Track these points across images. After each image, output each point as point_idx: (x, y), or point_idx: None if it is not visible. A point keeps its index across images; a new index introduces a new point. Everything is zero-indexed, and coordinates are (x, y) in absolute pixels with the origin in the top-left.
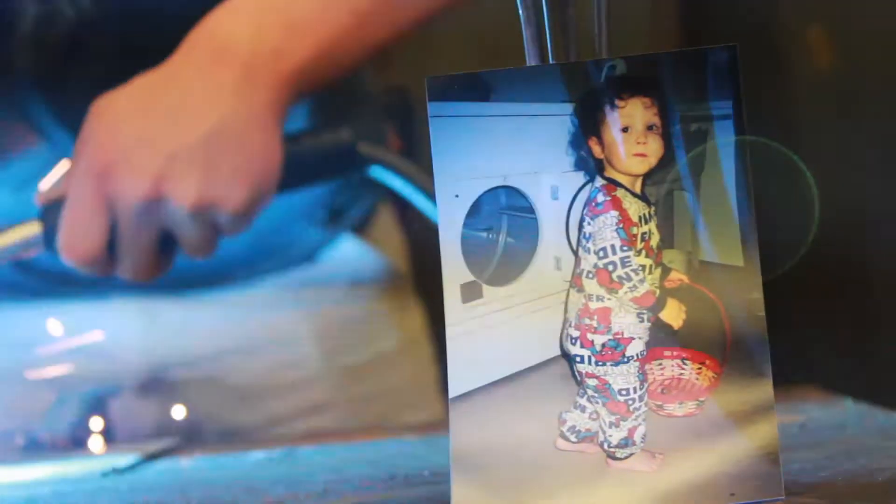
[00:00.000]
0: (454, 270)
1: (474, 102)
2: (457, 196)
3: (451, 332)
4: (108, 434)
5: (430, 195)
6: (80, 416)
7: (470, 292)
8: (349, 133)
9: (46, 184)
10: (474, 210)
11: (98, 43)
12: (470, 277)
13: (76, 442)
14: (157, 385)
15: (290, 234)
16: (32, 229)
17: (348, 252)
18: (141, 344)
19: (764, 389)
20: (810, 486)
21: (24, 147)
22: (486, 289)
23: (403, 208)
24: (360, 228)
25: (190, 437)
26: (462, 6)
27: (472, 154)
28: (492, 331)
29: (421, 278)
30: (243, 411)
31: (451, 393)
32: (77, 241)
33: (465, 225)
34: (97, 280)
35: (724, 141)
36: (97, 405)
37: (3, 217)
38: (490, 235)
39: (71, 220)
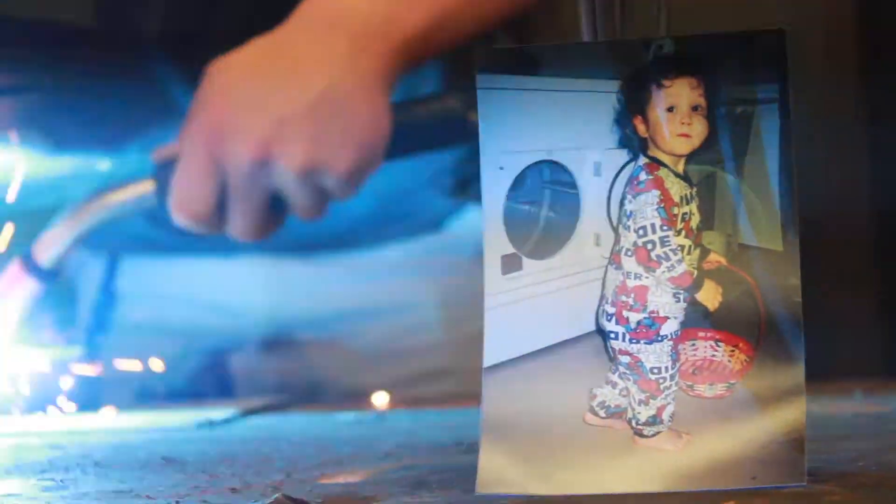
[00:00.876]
0: (496, 242)
1: (523, 76)
2: (501, 168)
3: (489, 302)
4: (226, 389)
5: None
6: (199, 369)
7: (510, 264)
8: (458, 101)
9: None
10: (518, 183)
11: (225, 8)
12: (511, 249)
13: (192, 394)
14: (278, 344)
15: (416, 202)
16: (146, 187)
17: (474, 221)
18: (266, 302)
19: (795, 375)
20: (835, 475)
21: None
22: (525, 261)
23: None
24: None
25: (308, 396)
26: None
27: (518, 127)
28: (529, 303)
29: None
30: (362, 374)
31: (486, 362)
32: (188, 200)
33: (509, 197)
34: (227, 238)
35: (768, 125)
36: (218, 359)
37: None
38: (532, 209)
39: (183, 179)
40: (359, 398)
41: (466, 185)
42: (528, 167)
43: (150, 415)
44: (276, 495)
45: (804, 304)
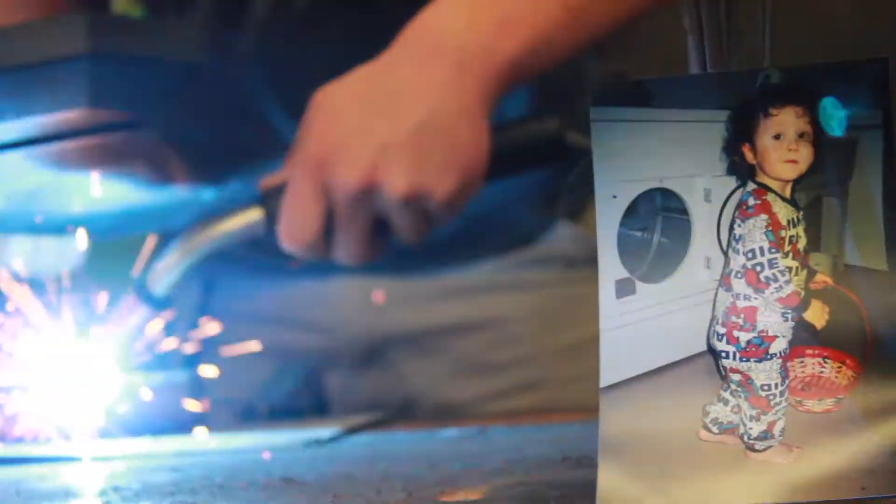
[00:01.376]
0: (610, 267)
1: (635, 108)
2: (615, 196)
3: (604, 324)
4: (325, 406)
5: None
6: (298, 387)
7: (624, 288)
8: (556, 123)
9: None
10: (631, 210)
11: (323, 33)
12: (625, 274)
13: (293, 412)
14: (375, 360)
15: (509, 218)
16: (255, 215)
17: (563, 236)
18: (361, 320)
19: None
20: None
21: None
22: (639, 285)
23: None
24: (575, 215)
25: (404, 412)
26: (670, 4)
27: (631, 157)
28: (643, 325)
29: None
30: (458, 387)
31: (602, 383)
32: (296, 227)
33: (622, 224)
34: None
35: (872, 150)
36: (314, 378)
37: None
38: (645, 235)
39: (290, 206)
40: (454, 412)
41: (556, 202)
42: (641, 195)
43: (254, 435)
44: None
45: None
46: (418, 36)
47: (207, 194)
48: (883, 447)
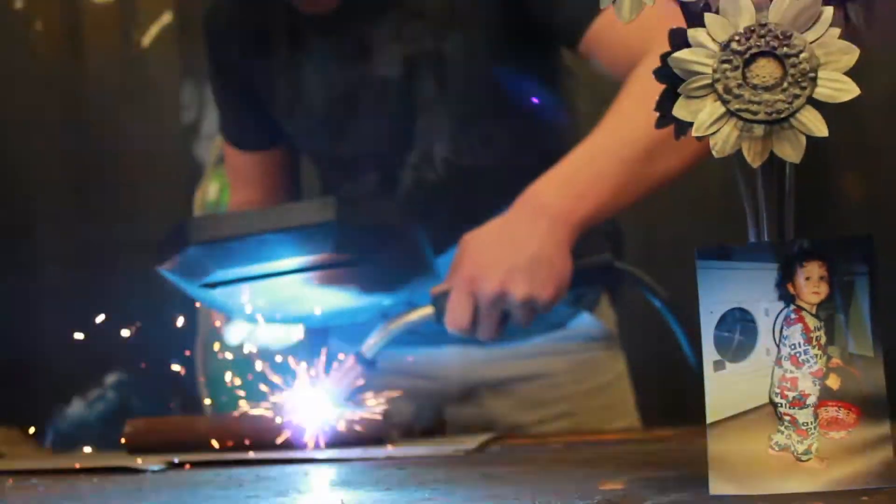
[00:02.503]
0: (710, 352)
1: (722, 260)
2: (711, 312)
3: (707, 386)
4: (444, 428)
5: (660, 297)
6: (431, 416)
7: (718, 365)
8: (610, 255)
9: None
10: (721, 320)
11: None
12: (718, 357)
13: (426, 433)
14: (468, 398)
15: (553, 312)
16: (429, 310)
17: (585, 322)
18: (462, 373)
19: (883, 426)
20: None
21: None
22: (728, 364)
23: (614, 296)
24: (592, 308)
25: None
26: (697, 165)
27: (721, 289)
28: (731, 387)
29: (624, 336)
30: (521, 415)
31: (709, 420)
32: (456, 318)
33: (716, 328)
34: (440, 332)
35: (862, 286)
36: (439, 409)
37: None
38: (730, 335)
39: (453, 306)
40: (520, 430)
41: (581, 299)
42: (727, 311)
43: (419, 447)
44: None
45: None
46: (528, 202)
47: (387, 300)
48: (877, 457)
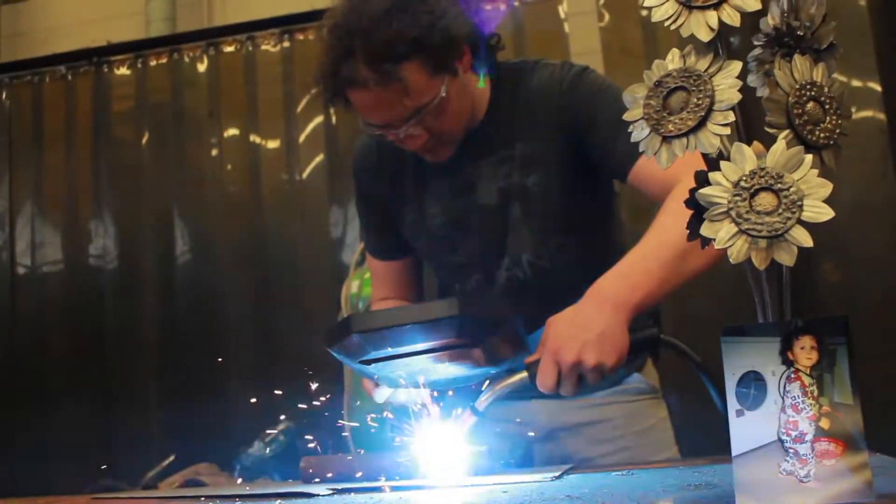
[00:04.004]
0: (733, 404)
1: (740, 336)
2: (733, 374)
3: (732, 430)
4: (532, 461)
5: (694, 361)
6: (523, 452)
7: (739, 413)
8: (656, 331)
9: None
10: (740, 380)
11: (535, 292)
12: (739, 407)
13: (520, 465)
14: (550, 439)
15: (618, 374)
16: (523, 375)
17: (635, 378)
18: (545, 418)
19: (862, 455)
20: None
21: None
22: (746, 412)
23: (656, 359)
24: (640, 369)
25: (567, 463)
26: (717, 263)
27: (740, 357)
28: (749, 429)
29: (666, 390)
30: (589, 451)
31: (734, 453)
32: (545, 381)
33: (737, 387)
34: (532, 390)
35: (842, 353)
36: (525, 448)
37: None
38: (747, 391)
39: (542, 372)
40: (588, 463)
41: (632, 363)
42: (744, 373)
43: (515, 475)
44: None
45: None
46: (596, 293)
47: (493, 371)
48: (859, 477)
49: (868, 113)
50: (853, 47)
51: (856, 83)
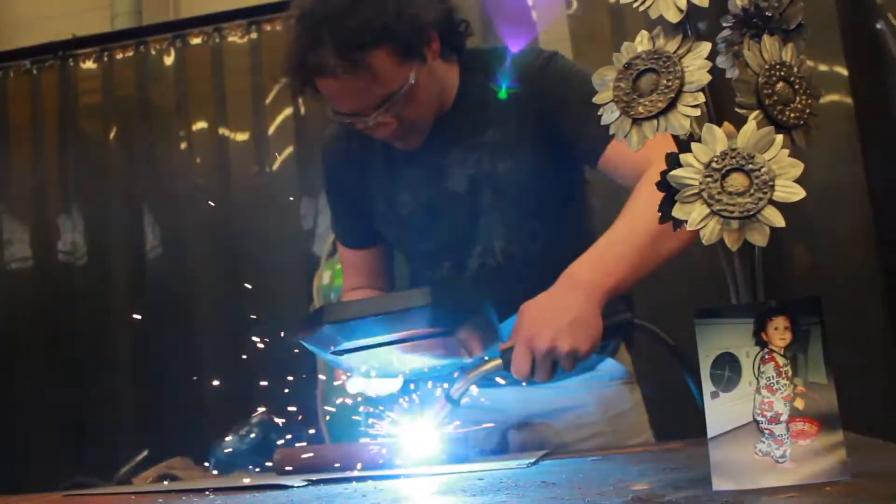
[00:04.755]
0: (707, 386)
1: (714, 318)
2: (707, 356)
3: (707, 411)
4: (508, 447)
5: (668, 344)
6: (497, 439)
7: (714, 395)
8: (630, 315)
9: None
10: (716, 363)
11: (507, 279)
12: (714, 389)
13: (495, 451)
14: (525, 426)
15: (591, 359)
16: (497, 362)
17: (609, 364)
18: (519, 406)
19: (837, 433)
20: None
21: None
22: (721, 394)
23: (629, 344)
24: (614, 354)
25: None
26: (691, 244)
27: (714, 338)
28: (725, 410)
29: (639, 373)
30: (565, 437)
31: (709, 435)
32: (519, 368)
33: (712, 368)
34: (506, 377)
35: (815, 333)
36: (499, 435)
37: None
38: (721, 372)
39: (516, 359)
40: (564, 448)
41: (605, 348)
42: (719, 354)
43: (487, 462)
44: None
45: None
46: (568, 278)
47: (467, 361)
48: (833, 457)
49: (835, 97)
50: (819, 31)
51: (822, 67)
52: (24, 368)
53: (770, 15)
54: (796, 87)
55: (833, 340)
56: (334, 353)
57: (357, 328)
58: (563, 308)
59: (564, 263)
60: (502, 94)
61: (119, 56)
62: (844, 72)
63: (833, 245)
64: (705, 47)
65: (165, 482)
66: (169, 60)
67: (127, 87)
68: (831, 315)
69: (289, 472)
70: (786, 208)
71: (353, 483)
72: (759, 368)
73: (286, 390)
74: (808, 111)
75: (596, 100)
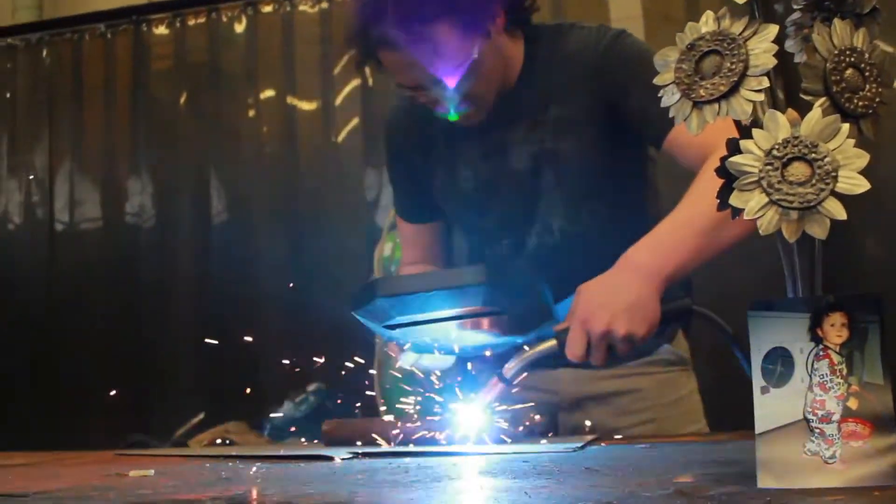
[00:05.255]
0: (758, 380)
1: (768, 311)
2: (759, 350)
3: (756, 406)
4: (558, 429)
5: (727, 332)
6: (550, 420)
7: (765, 390)
8: (689, 302)
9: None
10: (767, 356)
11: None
12: (764, 384)
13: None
14: (578, 407)
15: (648, 344)
16: (552, 343)
17: (665, 350)
18: (572, 387)
19: (891, 436)
20: None
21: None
22: (772, 390)
23: (688, 331)
24: (671, 340)
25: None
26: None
27: (768, 332)
28: (775, 406)
29: (696, 360)
30: (618, 421)
31: (757, 431)
32: (574, 350)
33: (763, 362)
34: (561, 358)
35: (874, 331)
36: (551, 416)
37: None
38: (774, 367)
39: (571, 340)
40: (616, 433)
41: (664, 334)
42: (771, 349)
43: (535, 445)
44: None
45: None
46: (627, 261)
47: (520, 340)
48: (886, 460)
49: None
50: None
51: None
52: (91, 327)
53: None
54: (866, 74)
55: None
56: (387, 326)
57: (410, 303)
58: (620, 291)
59: (625, 245)
60: (565, 74)
61: (191, 22)
62: None
63: None
64: (772, 30)
65: (216, 447)
66: (240, 28)
67: (198, 53)
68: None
69: (337, 443)
70: (856, 199)
71: (398, 459)
72: (812, 365)
73: (345, 363)
74: (878, 100)
75: (657, 81)
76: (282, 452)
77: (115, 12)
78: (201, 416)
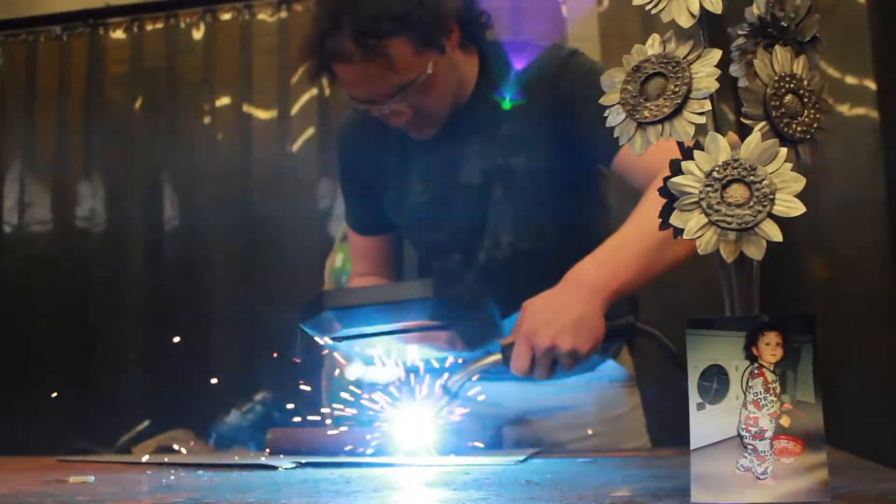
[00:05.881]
0: (694, 397)
1: (705, 328)
2: (696, 367)
3: (692, 422)
4: (502, 443)
5: (669, 349)
6: (494, 434)
7: (700, 406)
8: (633, 318)
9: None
10: (703, 373)
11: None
12: (700, 400)
13: (490, 447)
14: (522, 421)
15: (592, 360)
16: (498, 357)
17: (609, 366)
18: (517, 402)
19: (820, 454)
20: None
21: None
22: (707, 406)
23: (632, 347)
24: (616, 356)
25: (536, 446)
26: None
27: (705, 350)
28: (709, 422)
29: (639, 376)
30: (560, 436)
31: (692, 447)
32: (519, 364)
33: (700, 380)
34: (505, 372)
35: (807, 351)
36: (495, 429)
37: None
38: (709, 384)
39: (516, 355)
40: (558, 448)
41: (608, 350)
42: (708, 366)
43: (476, 457)
44: None
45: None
46: (573, 278)
47: (466, 355)
48: (814, 477)
49: (861, 111)
50: (850, 44)
51: (851, 80)
52: (37, 330)
53: (786, 25)
54: (805, 100)
55: (850, 355)
56: (334, 339)
57: (357, 315)
58: (565, 307)
59: (573, 262)
60: (518, 91)
61: (149, 27)
62: (873, 86)
63: (851, 261)
64: (715, 54)
65: (161, 454)
66: (198, 34)
67: (155, 58)
68: (844, 332)
69: (281, 453)
70: (799, 221)
71: (341, 469)
72: (747, 383)
73: (291, 369)
74: (815, 125)
75: (603, 101)
76: (225, 461)
77: (71, 15)
78: (146, 422)
